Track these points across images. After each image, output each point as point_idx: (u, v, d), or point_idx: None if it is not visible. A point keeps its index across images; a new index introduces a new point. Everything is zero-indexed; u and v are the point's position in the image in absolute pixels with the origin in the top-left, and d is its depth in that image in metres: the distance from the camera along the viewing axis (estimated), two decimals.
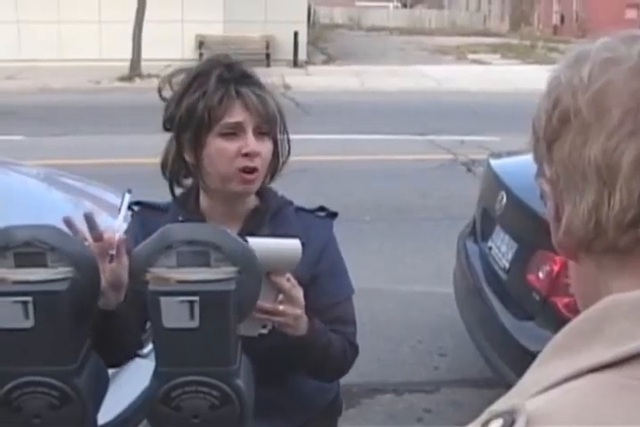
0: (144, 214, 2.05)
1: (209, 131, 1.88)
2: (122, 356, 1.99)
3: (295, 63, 22.11)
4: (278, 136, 1.97)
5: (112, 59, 19.78)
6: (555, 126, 0.82)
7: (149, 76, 18.06)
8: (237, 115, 1.87)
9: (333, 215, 2.08)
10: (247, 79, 1.91)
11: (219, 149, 1.88)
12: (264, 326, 1.80)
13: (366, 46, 28.97)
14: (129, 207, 2.07)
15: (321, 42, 29.45)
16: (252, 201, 2.02)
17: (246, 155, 1.87)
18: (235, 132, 1.88)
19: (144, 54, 18.79)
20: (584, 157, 0.79)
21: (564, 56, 0.85)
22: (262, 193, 2.03)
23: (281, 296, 1.78)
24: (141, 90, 15.53)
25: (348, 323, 2.06)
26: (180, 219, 1.97)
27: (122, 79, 18.41)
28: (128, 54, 18.80)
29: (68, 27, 21.26)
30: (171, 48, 20.26)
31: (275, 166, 2.00)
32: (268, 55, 21.93)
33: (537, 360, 0.78)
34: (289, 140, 2.02)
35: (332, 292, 2.03)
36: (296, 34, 22.02)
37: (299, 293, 1.80)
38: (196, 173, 1.96)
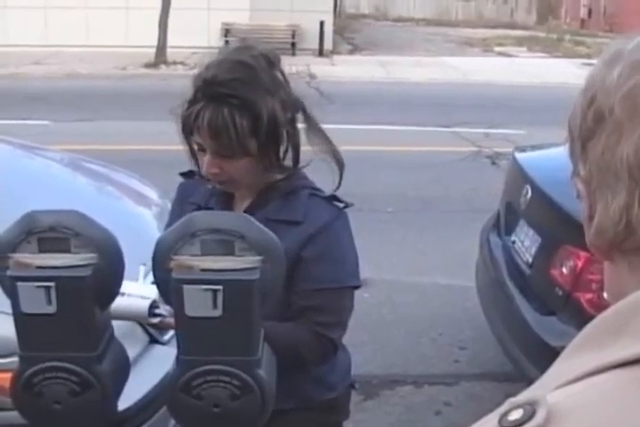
0: (188, 182, 2.19)
1: (191, 134, 1.96)
2: None
3: (321, 53, 22.07)
4: (283, 136, 1.98)
5: (138, 45, 19.79)
6: (589, 125, 0.81)
7: (175, 63, 18.09)
8: (201, 136, 1.93)
9: (345, 205, 2.07)
10: (226, 99, 1.88)
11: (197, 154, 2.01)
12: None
13: (392, 37, 28.82)
14: (184, 175, 2.19)
15: (347, 32, 29.34)
16: (276, 177, 2.06)
17: None
18: (203, 148, 1.95)
19: (170, 41, 18.79)
20: (617, 156, 0.77)
21: (601, 54, 0.84)
22: (289, 173, 2.06)
23: None
24: (167, 77, 15.54)
25: (324, 312, 1.98)
26: (210, 187, 2.08)
27: (147, 66, 18.42)
28: (154, 41, 18.81)
29: (94, 13, 21.29)
30: (197, 36, 20.22)
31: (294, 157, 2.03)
32: (293, 44, 21.88)
33: (565, 352, 0.77)
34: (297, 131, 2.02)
35: (316, 277, 1.97)
36: (322, 23, 21.97)
37: None
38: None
